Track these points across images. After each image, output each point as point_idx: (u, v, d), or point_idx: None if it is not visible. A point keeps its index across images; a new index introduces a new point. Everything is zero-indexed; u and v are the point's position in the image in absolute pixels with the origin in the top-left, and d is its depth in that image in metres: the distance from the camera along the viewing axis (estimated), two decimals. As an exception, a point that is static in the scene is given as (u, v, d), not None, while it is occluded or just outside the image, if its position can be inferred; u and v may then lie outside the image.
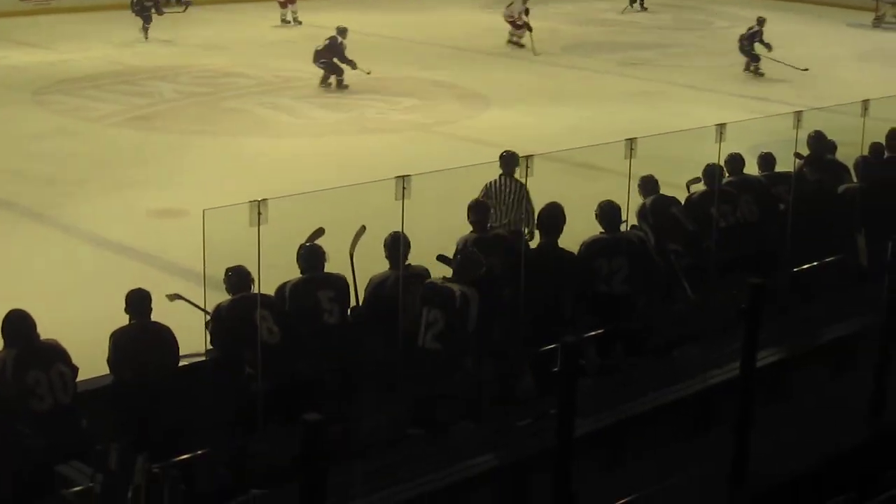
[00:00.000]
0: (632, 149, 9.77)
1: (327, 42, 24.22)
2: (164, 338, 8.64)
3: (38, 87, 23.90)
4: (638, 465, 8.80)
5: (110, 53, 27.78)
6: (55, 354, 8.06)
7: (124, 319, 8.65)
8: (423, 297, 9.24)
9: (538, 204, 10.63)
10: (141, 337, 8.56)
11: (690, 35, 32.58)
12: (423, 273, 9.61)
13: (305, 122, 21.65)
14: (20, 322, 8.06)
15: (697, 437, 9.21)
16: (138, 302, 8.65)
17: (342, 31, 24.39)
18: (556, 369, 7.42)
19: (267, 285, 8.95)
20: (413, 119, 21.91)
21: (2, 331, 8.06)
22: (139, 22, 29.06)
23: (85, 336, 8.90)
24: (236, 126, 20.54)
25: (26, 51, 28.18)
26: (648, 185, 11.41)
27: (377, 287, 9.46)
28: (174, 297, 9.23)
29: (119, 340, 8.50)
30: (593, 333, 9.57)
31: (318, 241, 9.65)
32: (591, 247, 10.26)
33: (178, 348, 8.70)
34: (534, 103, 23.14)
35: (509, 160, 11.98)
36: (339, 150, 19.01)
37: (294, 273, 9.35)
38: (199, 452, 7.88)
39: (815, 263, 11.17)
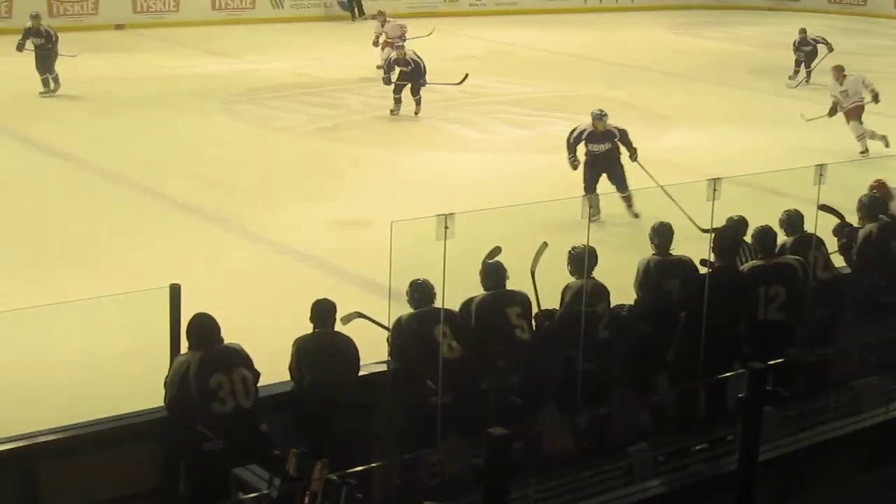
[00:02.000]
0: (821, 175, 9.60)
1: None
2: (346, 348, 8.71)
3: (228, 96, 24.40)
4: (818, 496, 8.65)
5: (298, 64, 28.25)
6: (238, 358, 8.18)
7: (306, 327, 8.74)
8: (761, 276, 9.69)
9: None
10: (323, 346, 8.63)
11: (878, 60, 31.93)
12: (605, 289, 9.58)
13: (490, 138, 21.71)
14: (205, 325, 8.19)
15: (879, 469, 9.01)
16: (323, 312, 8.73)
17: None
18: (741, 395, 7.33)
19: (449, 300, 8.97)
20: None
21: (187, 333, 8.21)
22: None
23: (267, 341, 9.01)
24: (421, 140, 20.71)
25: (217, 60, 28.83)
26: (874, 207, 11.11)
27: (575, 295, 9.42)
28: (351, 317, 9.29)
29: (302, 348, 8.60)
30: (776, 361, 9.41)
31: (498, 258, 9.67)
32: (752, 273, 10.09)
33: (358, 359, 8.76)
34: (717, 125, 22.88)
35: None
36: (523, 167, 18.99)
37: (473, 289, 9.37)
38: (376, 464, 7.93)
39: None
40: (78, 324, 10.49)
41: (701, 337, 9.31)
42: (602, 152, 16.23)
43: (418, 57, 22.83)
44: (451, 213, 7.83)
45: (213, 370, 7.97)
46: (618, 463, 8.60)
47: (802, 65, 27.78)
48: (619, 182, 15.95)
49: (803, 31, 28.09)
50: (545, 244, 9.87)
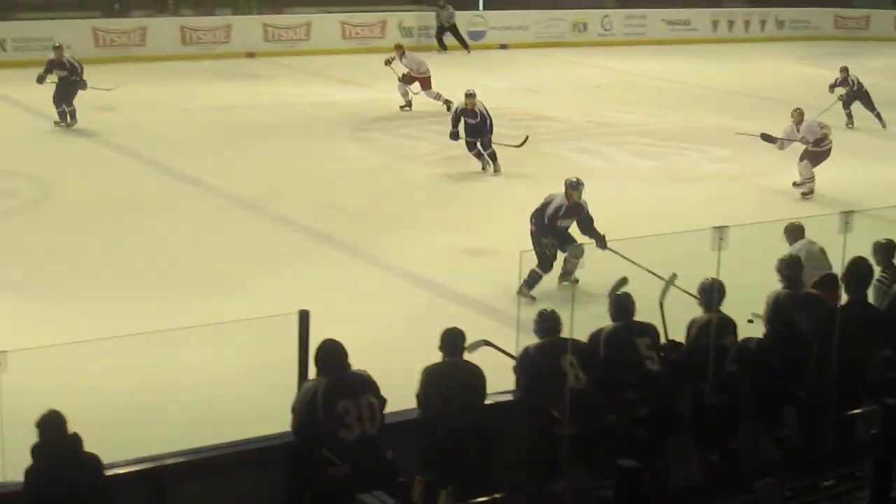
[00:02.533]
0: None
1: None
2: (475, 378, 8.70)
3: (357, 124, 24.63)
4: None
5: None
6: (365, 385, 8.20)
7: (433, 354, 8.76)
8: None
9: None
10: (452, 375, 8.64)
11: None
12: (732, 322, 9.51)
13: (616, 169, 21.66)
14: (333, 351, 8.22)
15: None
16: (452, 340, 8.74)
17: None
18: (873, 431, 7.22)
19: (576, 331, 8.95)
20: (724, 169, 21.67)
21: (315, 359, 8.26)
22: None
23: (394, 368, 9.05)
24: (548, 170, 20.60)
25: (347, 88, 29.12)
26: None
27: (700, 329, 9.37)
28: (478, 345, 9.30)
29: (430, 376, 8.60)
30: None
31: (625, 289, 9.64)
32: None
33: (485, 388, 8.76)
34: (849, 158, 22.56)
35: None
36: (649, 198, 18.93)
37: (600, 319, 9.34)
38: (500, 494, 7.92)
39: None
40: (207, 347, 10.65)
41: (830, 372, 9.19)
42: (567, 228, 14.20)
43: (485, 109, 20.49)
44: (580, 244, 7.85)
45: (340, 396, 8.00)
46: (745, 497, 8.50)
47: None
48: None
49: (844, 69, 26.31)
50: (674, 275, 9.83)
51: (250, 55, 33.33)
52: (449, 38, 35.89)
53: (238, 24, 34.03)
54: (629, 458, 6.33)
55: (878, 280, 10.51)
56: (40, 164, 20.32)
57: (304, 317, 8.31)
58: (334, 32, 35.20)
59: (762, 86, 31.25)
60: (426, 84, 26.25)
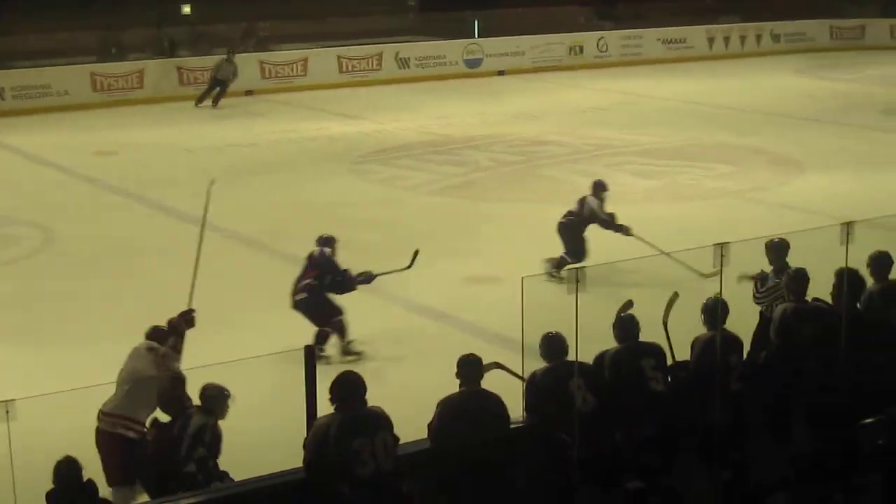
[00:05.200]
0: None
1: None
2: (493, 407, 8.62)
3: (356, 157, 24.66)
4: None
5: (424, 124, 28.46)
6: (380, 422, 8.08)
7: (444, 383, 8.71)
8: None
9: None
10: (470, 405, 8.55)
11: None
12: (738, 339, 9.52)
13: (618, 190, 21.54)
14: (351, 386, 8.04)
15: None
16: (469, 368, 8.64)
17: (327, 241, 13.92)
18: (880, 441, 7.21)
19: (581, 353, 8.94)
20: (726, 186, 21.66)
21: (332, 389, 8.14)
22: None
23: (403, 400, 9.03)
24: (548, 194, 20.66)
25: (344, 121, 29.17)
26: None
27: (706, 346, 9.37)
28: (489, 367, 9.26)
29: (447, 407, 8.50)
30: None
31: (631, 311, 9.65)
32: None
33: (506, 417, 8.68)
34: (849, 169, 22.61)
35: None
36: (653, 217, 18.90)
37: (606, 342, 9.34)
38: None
39: None
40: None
41: (837, 383, 9.19)
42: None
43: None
44: (583, 267, 7.84)
45: (355, 434, 7.91)
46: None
47: None
48: None
49: None
50: (676, 294, 9.84)
51: (249, 93, 33.37)
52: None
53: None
54: (636, 481, 6.30)
55: None
56: (42, 211, 20.35)
57: (309, 352, 8.31)
58: (331, 66, 35.24)
59: (762, 101, 31.30)
60: None
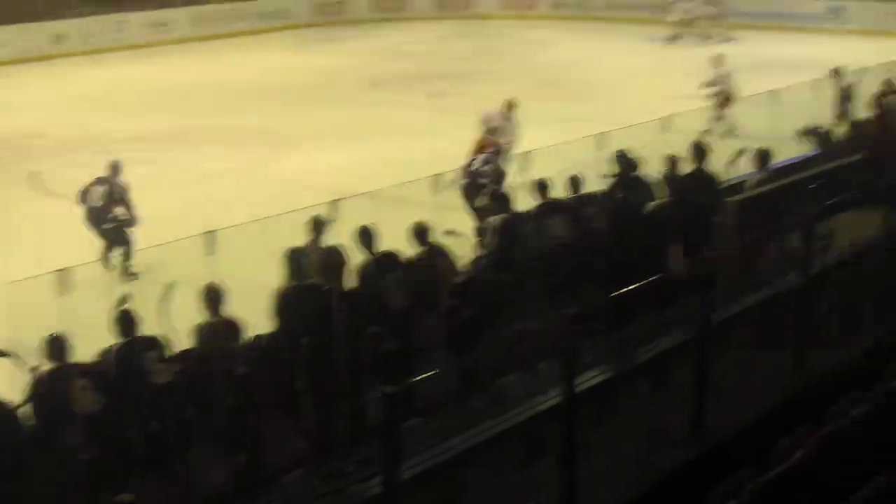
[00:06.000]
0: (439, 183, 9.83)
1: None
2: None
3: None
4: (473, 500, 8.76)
5: None
6: None
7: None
8: None
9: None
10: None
11: (487, 64, 32.86)
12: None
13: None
14: None
15: (528, 468, 9.14)
16: None
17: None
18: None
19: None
20: (222, 167, 21.64)
21: None
22: None
23: None
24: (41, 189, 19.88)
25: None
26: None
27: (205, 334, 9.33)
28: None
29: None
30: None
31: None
32: None
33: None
34: (344, 141, 23.11)
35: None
36: (149, 207, 18.40)
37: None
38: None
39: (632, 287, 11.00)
40: None
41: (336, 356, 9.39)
42: None
43: None
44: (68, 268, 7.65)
45: None
46: (276, 493, 8.56)
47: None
48: None
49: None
50: (173, 283, 9.66)
51: None
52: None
53: None
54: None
55: None
56: None
57: None
58: None
59: (253, 80, 31.45)
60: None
